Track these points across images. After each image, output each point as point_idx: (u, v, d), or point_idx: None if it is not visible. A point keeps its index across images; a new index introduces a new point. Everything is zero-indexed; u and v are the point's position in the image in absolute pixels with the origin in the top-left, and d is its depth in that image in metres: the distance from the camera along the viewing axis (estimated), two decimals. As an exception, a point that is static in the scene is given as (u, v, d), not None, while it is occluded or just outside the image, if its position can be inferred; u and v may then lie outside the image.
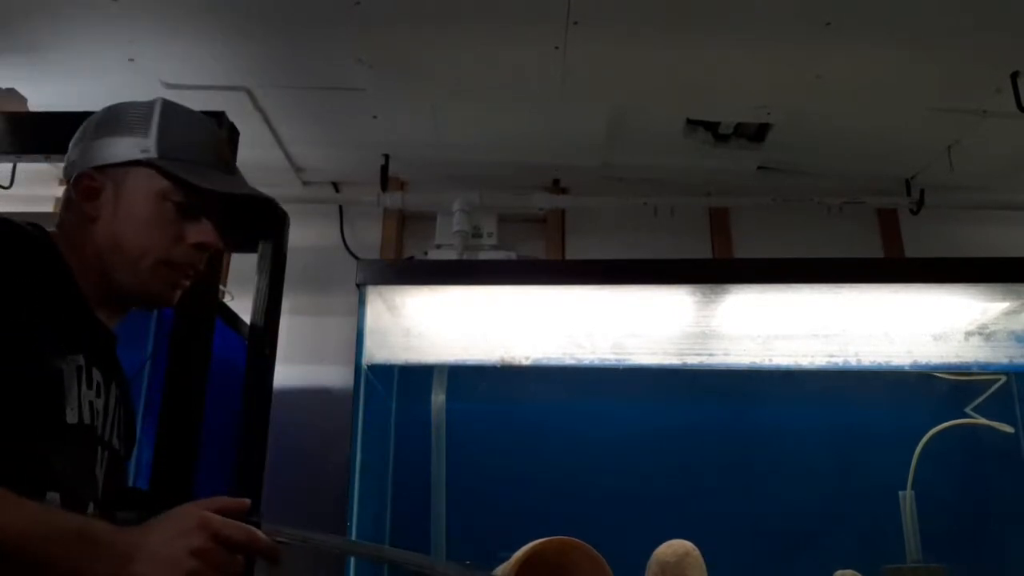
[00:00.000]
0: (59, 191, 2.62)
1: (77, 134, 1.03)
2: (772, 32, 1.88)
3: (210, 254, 1.04)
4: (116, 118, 1.01)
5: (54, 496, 0.83)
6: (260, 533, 0.80)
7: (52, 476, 0.84)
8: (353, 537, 1.65)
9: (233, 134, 1.61)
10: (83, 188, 0.98)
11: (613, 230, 2.63)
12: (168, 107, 1.03)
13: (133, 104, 1.03)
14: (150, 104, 1.02)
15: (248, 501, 0.81)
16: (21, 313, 0.83)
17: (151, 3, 1.80)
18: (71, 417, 0.87)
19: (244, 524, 0.79)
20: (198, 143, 1.02)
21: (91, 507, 0.91)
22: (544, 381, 2.07)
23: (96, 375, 0.94)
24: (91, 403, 0.91)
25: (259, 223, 1.10)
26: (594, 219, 2.65)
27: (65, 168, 1.03)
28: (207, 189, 0.98)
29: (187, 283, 1.02)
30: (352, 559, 1.64)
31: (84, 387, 0.90)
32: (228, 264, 2.48)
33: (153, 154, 0.97)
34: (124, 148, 0.98)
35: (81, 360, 0.90)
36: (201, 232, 1.00)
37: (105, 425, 0.97)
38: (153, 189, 0.97)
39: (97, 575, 0.72)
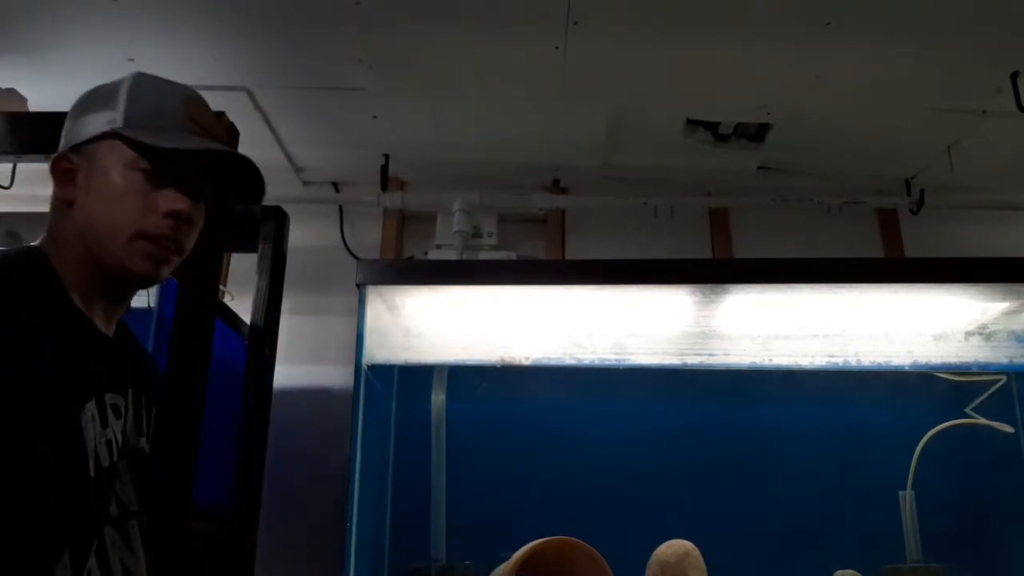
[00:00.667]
0: (59, 191, 2.62)
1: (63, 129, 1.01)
2: (772, 32, 1.88)
3: (186, 224, 0.98)
4: (90, 96, 0.99)
5: (67, 552, 0.82)
6: None
7: (67, 535, 0.82)
8: (353, 537, 1.65)
9: (233, 134, 1.61)
10: (59, 171, 0.96)
11: (613, 230, 2.63)
12: (139, 78, 1.00)
13: (110, 82, 1.00)
14: (123, 78, 1.00)
15: None
16: (31, 386, 0.81)
17: (151, 3, 1.80)
18: (93, 471, 0.85)
19: None
20: (167, 108, 0.98)
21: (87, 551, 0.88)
22: (544, 381, 2.07)
23: (109, 400, 0.92)
24: (109, 442, 0.89)
25: (244, 190, 1.04)
26: (594, 219, 2.65)
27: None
28: (169, 149, 0.93)
29: (171, 258, 0.97)
30: (352, 559, 1.64)
31: (99, 428, 0.88)
32: (228, 264, 2.48)
33: (119, 124, 0.95)
34: (94, 124, 0.96)
35: (93, 404, 0.87)
36: (174, 200, 0.95)
37: (128, 437, 0.96)
38: (121, 160, 0.94)
39: None
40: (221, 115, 1.57)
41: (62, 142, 0.99)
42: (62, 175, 0.96)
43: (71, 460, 0.83)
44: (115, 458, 0.90)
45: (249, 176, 1.03)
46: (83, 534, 0.85)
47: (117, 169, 0.94)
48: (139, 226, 0.93)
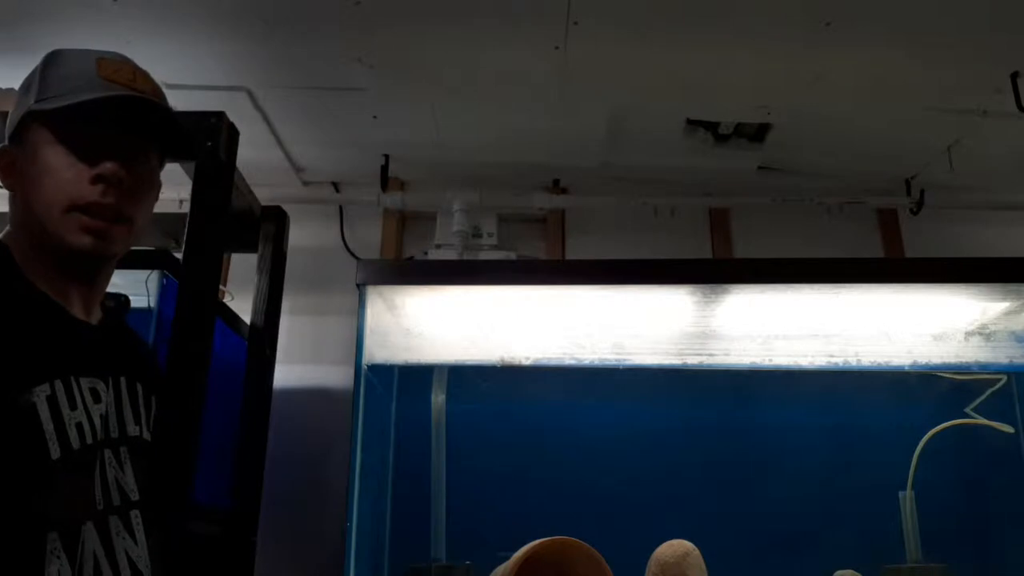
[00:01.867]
0: (59, 191, 2.62)
1: None
2: (772, 32, 1.88)
3: (118, 187, 0.94)
4: (20, 86, 0.99)
5: (54, 536, 0.82)
6: None
7: (46, 518, 0.82)
8: (353, 537, 1.65)
9: (233, 134, 1.61)
10: (2, 167, 0.97)
11: (613, 230, 2.63)
12: (50, 55, 0.99)
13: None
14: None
15: None
16: None
17: (150, 3, 1.80)
18: (54, 452, 0.84)
19: None
20: (76, 72, 0.96)
21: (90, 525, 0.88)
22: (544, 381, 2.07)
23: (86, 384, 0.91)
24: (79, 424, 0.88)
25: (173, 144, 1.03)
26: (594, 219, 2.65)
27: None
28: (66, 106, 0.91)
29: (111, 228, 0.95)
30: (352, 559, 1.64)
31: (67, 411, 0.87)
32: (228, 264, 2.48)
33: (31, 103, 0.95)
34: (16, 112, 0.97)
35: (50, 388, 0.86)
36: (100, 167, 0.93)
37: (114, 424, 0.95)
38: (43, 138, 0.94)
39: None
40: (221, 115, 1.57)
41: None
42: (4, 169, 0.97)
43: (20, 440, 0.82)
44: (89, 441, 0.90)
45: (171, 127, 1.01)
46: (65, 515, 0.85)
47: (42, 147, 0.94)
48: (69, 198, 0.92)
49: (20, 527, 0.80)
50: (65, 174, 0.93)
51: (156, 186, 1.04)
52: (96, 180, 0.93)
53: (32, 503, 0.82)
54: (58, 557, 0.82)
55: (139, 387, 1.03)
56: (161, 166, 1.06)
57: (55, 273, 0.95)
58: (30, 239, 0.95)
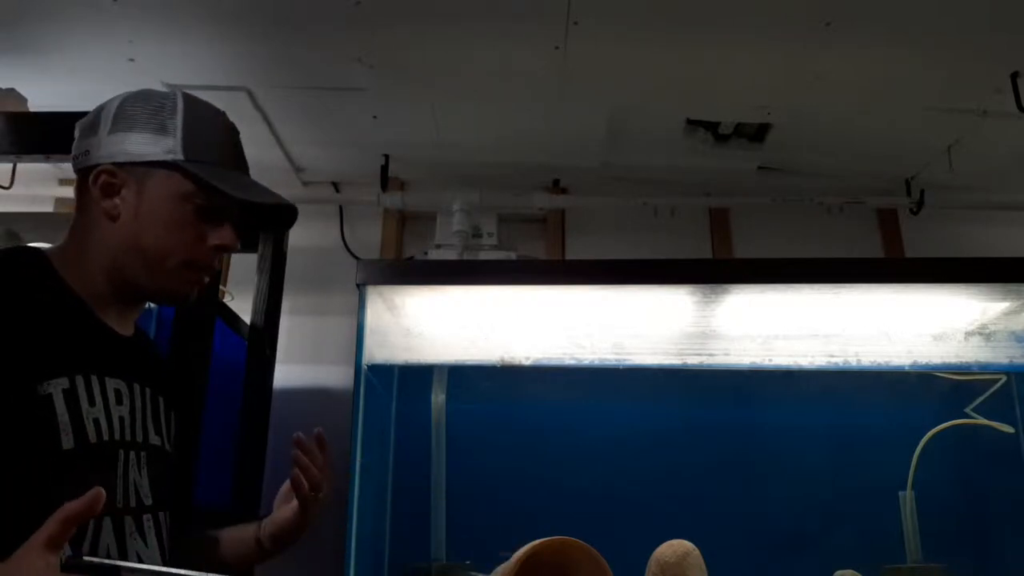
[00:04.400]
0: (59, 191, 2.62)
1: (85, 124, 1.00)
2: (772, 32, 1.88)
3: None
4: (136, 112, 0.98)
5: None
6: None
7: (52, 505, 0.82)
8: (353, 537, 1.65)
9: (233, 134, 1.61)
10: (103, 184, 0.96)
11: (613, 230, 2.63)
12: (190, 103, 1.01)
13: (151, 96, 1.00)
14: (171, 99, 1.00)
15: (99, 491, 0.72)
16: None
17: (151, 3, 1.80)
18: (67, 443, 0.86)
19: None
20: (219, 143, 1.02)
21: (107, 520, 0.90)
22: (544, 381, 2.07)
23: (110, 384, 0.93)
24: (96, 420, 0.90)
25: (272, 224, 1.13)
26: (594, 219, 2.65)
27: (75, 159, 1.00)
28: (241, 200, 0.99)
29: (206, 281, 1.04)
30: (352, 559, 1.64)
31: (86, 405, 0.89)
32: (228, 264, 2.48)
33: (179, 156, 0.96)
34: (146, 146, 0.96)
35: (68, 382, 0.88)
36: (222, 235, 1.00)
37: (135, 428, 0.97)
38: (178, 191, 0.97)
39: None
40: (221, 115, 1.57)
41: (93, 147, 0.98)
42: (105, 188, 0.96)
43: (32, 428, 0.84)
44: (106, 438, 0.91)
45: (289, 214, 1.10)
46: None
47: (174, 199, 0.97)
48: (189, 256, 0.98)
49: (25, 511, 0.80)
50: (191, 233, 0.98)
51: None
52: (217, 249, 1.01)
53: (38, 489, 0.83)
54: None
55: (161, 400, 1.05)
56: None
57: (109, 294, 0.98)
58: (103, 262, 0.97)
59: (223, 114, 1.06)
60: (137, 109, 0.98)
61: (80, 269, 0.96)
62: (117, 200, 0.96)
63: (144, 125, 0.97)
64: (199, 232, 0.98)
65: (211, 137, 1.01)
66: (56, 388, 0.86)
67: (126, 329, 1.03)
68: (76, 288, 0.96)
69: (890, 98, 2.14)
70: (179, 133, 0.97)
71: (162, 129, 0.97)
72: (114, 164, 0.96)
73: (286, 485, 1.11)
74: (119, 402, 0.94)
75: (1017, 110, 2.03)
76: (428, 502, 1.95)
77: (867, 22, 1.83)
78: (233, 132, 1.06)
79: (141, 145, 0.96)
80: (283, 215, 1.09)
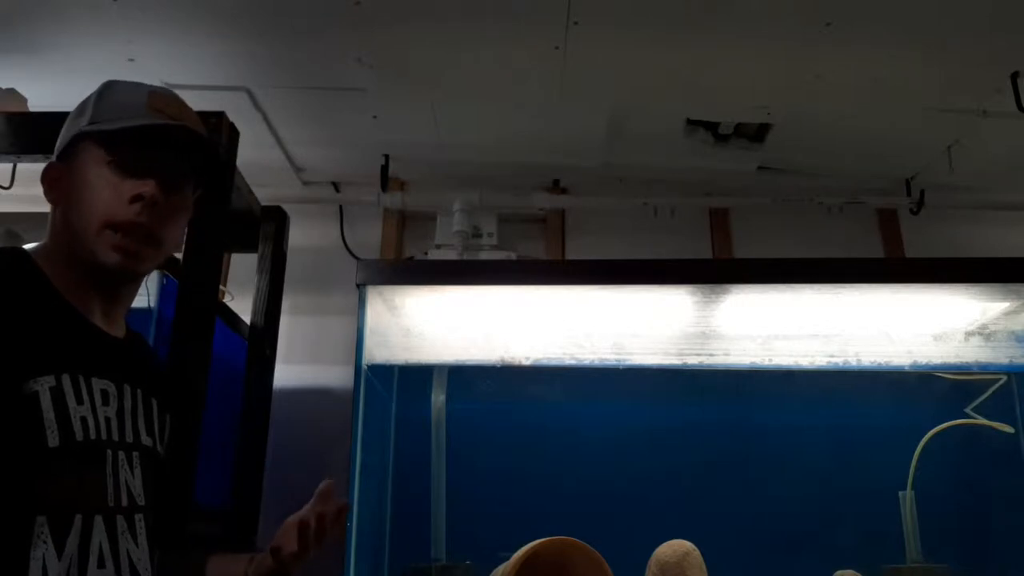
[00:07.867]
0: (59, 191, 2.62)
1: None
2: (772, 32, 1.88)
3: (153, 209, 0.98)
4: (73, 111, 1.04)
5: (42, 519, 0.84)
6: None
7: (37, 501, 0.84)
8: (353, 537, 1.65)
9: (233, 134, 1.62)
10: (47, 181, 1.01)
11: (613, 230, 2.63)
12: (108, 84, 1.05)
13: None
14: (102, 86, 1.05)
15: None
16: None
17: (151, 3, 1.80)
18: (52, 441, 0.86)
19: None
20: (130, 102, 1.02)
21: (99, 519, 0.90)
22: (544, 381, 2.07)
23: (97, 384, 0.94)
24: (84, 419, 0.90)
25: (199, 163, 1.07)
26: (594, 219, 2.65)
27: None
28: (116, 129, 0.97)
29: (143, 249, 0.98)
30: (352, 559, 1.64)
31: (73, 404, 0.89)
32: (228, 264, 2.48)
33: (84, 124, 1.00)
34: (68, 131, 1.02)
35: (55, 380, 0.88)
36: (137, 186, 0.97)
37: (124, 429, 0.97)
38: (90, 156, 0.99)
39: None
40: (221, 115, 1.58)
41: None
42: (48, 183, 1.02)
43: (17, 425, 0.84)
44: (94, 436, 0.91)
45: (210, 159, 1.08)
46: (59, 502, 0.86)
47: (88, 165, 0.99)
48: (106, 216, 0.97)
49: (8, 508, 0.82)
50: (105, 192, 0.97)
51: (188, 213, 1.08)
52: (134, 200, 0.97)
53: (23, 486, 0.84)
54: (44, 542, 0.83)
55: (154, 402, 1.05)
56: (194, 196, 1.10)
57: (81, 284, 0.99)
58: (63, 251, 0.99)
59: (154, 86, 1.07)
60: (74, 110, 1.05)
61: (54, 265, 0.98)
62: (59, 192, 1.00)
63: (72, 117, 1.04)
64: (118, 191, 0.97)
65: (121, 100, 1.02)
66: (43, 386, 0.87)
67: (115, 330, 1.03)
68: (59, 287, 0.97)
69: (890, 98, 2.15)
70: (90, 109, 1.02)
71: (80, 112, 1.03)
72: (56, 160, 1.03)
73: (295, 517, 1.07)
74: (105, 402, 0.95)
75: (1017, 110, 2.03)
76: (428, 502, 1.95)
77: (867, 22, 1.83)
78: (154, 93, 1.04)
79: (65, 133, 1.03)
80: (206, 148, 1.06)
